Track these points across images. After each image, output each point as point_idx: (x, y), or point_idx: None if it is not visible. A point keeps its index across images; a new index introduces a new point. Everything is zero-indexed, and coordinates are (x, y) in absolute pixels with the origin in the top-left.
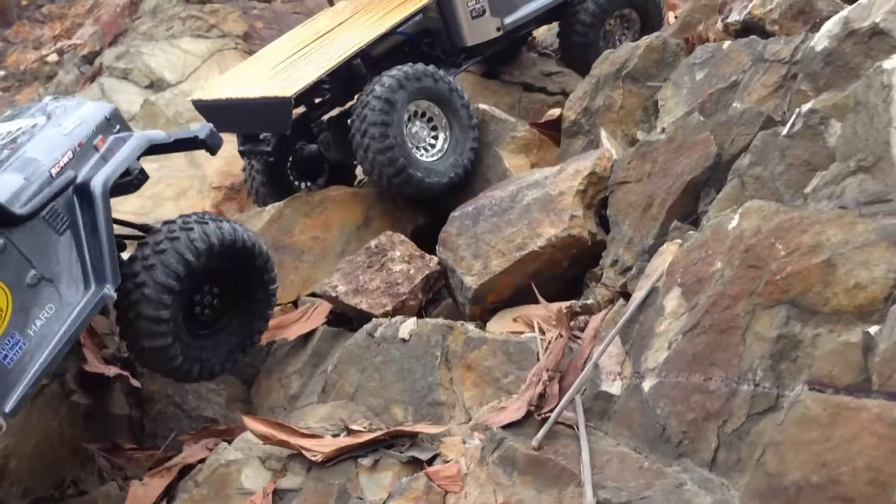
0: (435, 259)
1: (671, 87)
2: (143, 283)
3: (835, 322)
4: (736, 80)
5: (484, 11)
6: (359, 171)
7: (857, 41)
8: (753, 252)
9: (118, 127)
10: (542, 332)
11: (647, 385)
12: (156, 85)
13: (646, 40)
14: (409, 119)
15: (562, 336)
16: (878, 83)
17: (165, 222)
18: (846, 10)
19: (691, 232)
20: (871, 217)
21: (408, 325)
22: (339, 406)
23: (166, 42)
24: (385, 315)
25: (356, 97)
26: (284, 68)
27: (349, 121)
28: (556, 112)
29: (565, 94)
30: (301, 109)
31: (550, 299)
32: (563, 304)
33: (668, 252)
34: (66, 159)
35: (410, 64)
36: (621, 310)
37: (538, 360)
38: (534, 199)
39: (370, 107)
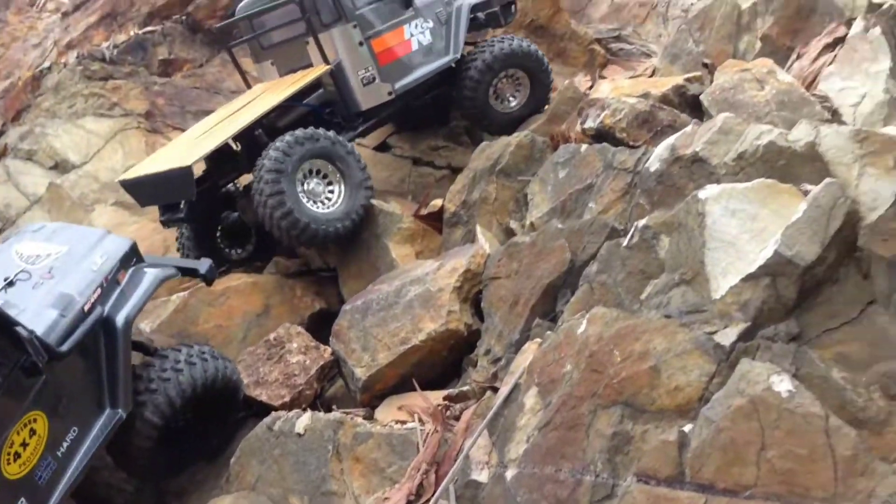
0: (329, 349)
1: (538, 183)
2: (143, 405)
3: (659, 420)
4: (591, 183)
5: (374, 79)
6: None
7: (682, 166)
8: (596, 357)
9: (134, 259)
10: (422, 422)
11: (509, 474)
12: (60, 166)
13: (515, 138)
14: (304, 177)
15: (437, 431)
16: (694, 210)
17: (162, 354)
18: (672, 138)
19: (549, 333)
20: (689, 326)
21: (303, 421)
22: (242, 496)
23: (69, 122)
24: (283, 406)
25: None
26: (193, 144)
27: (252, 184)
28: (437, 203)
29: (451, 168)
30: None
31: (432, 383)
32: (441, 395)
33: (530, 351)
34: (95, 295)
35: (301, 129)
36: (489, 402)
37: (418, 450)
38: (416, 296)
39: (265, 168)
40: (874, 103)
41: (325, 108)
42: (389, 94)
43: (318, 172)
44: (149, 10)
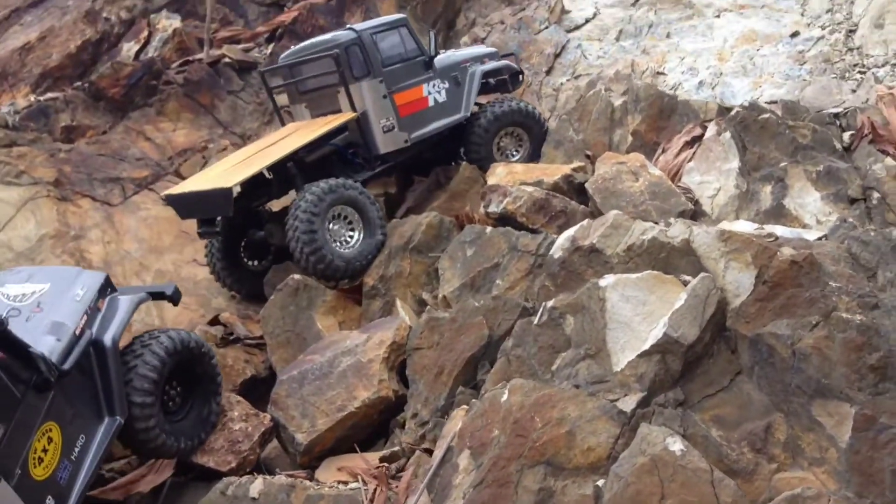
0: (267, 416)
1: (448, 259)
2: (134, 368)
3: (576, 476)
4: (497, 262)
5: (394, 127)
6: None
7: (582, 255)
8: (520, 424)
9: (109, 289)
10: (365, 483)
11: None
12: None
13: (426, 218)
14: (331, 219)
15: (382, 491)
16: (596, 295)
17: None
18: (572, 230)
19: (474, 401)
20: (596, 395)
21: (257, 486)
22: None
23: None
24: (231, 471)
25: (293, 200)
26: (233, 169)
27: (286, 220)
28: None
29: None
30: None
31: (364, 442)
32: (374, 455)
33: (458, 417)
34: (83, 321)
35: (333, 179)
36: (420, 462)
37: None
38: (348, 366)
39: (301, 209)
40: (727, 196)
41: (349, 148)
42: (406, 141)
43: (343, 217)
44: (41, 71)
